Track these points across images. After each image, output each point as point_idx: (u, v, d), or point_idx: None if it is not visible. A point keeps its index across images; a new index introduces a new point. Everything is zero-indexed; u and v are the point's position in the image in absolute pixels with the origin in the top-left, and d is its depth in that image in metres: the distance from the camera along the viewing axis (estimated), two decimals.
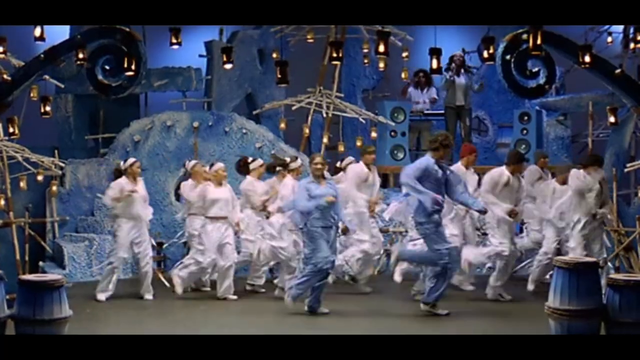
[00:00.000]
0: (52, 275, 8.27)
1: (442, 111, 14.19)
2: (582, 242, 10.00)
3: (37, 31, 8.89)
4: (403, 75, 14.07)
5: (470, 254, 10.14)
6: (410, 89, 14.49)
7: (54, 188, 12.13)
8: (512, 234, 10.05)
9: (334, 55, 8.69)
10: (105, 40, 9.28)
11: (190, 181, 10.81)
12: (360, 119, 13.28)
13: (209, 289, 10.75)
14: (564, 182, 10.49)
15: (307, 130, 13.13)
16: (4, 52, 9.42)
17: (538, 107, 13.78)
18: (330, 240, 9.17)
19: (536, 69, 9.26)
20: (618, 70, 9.19)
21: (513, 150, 11.17)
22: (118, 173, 10.40)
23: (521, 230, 11.45)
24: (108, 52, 9.28)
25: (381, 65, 13.95)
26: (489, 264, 10.95)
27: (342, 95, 13.68)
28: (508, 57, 9.15)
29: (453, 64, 13.62)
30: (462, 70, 13.67)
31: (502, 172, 9.97)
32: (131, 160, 10.40)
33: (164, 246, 11.95)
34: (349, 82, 15.44)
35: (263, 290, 10.75)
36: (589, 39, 10.43)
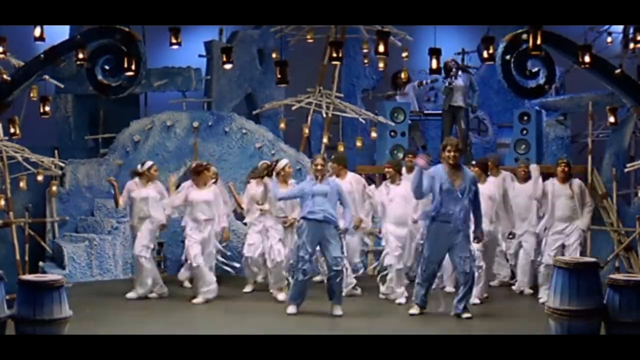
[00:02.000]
0: (52, 275, 8.29)
1: (441, 112, 14.24)
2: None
3: (37, 31, 8.88)
4: (403, 75, 14.06)
5: None
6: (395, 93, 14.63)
7: (54, 188, 12.13)
8: None
9: (334, 55, 8.68)
10: (105, 40, 9.27)
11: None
12: (360, 119, 13.27)
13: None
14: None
15: (307, 130, 13.12)
16: (4, 52, 9.41)
17: (538, 107, 13.77)
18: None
19: (536, 69, 9.25)
20: (618, 70, 9.19)
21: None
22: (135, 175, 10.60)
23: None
24: (108, 52, 9.27)
25: (381, 65, 13.94)
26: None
27: (342, 95, 13.67)
28: (508, 57, 9.14)
29: (452, 70, 13.59)
30: (460, 72, 13.66)
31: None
32: (149, 163, 10.62)
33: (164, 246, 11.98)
34: (349, 82, 15.44)
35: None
36: (589, 39, 10.41)
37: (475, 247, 9.50)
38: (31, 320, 7.38)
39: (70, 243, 12.16)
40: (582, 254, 10.24)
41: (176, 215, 10.69)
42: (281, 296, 10.11)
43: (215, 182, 10.78)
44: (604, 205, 11.88)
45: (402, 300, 10.06)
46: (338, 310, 9.38)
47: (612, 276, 7.85)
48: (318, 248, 9.45)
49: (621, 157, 12.68)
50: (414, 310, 9.38)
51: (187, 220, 10.26)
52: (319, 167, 9.44)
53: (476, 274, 9.68)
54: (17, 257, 10.78)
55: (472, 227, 9.29)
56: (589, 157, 11.97)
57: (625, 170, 11.18)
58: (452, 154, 9.11)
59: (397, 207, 10.14)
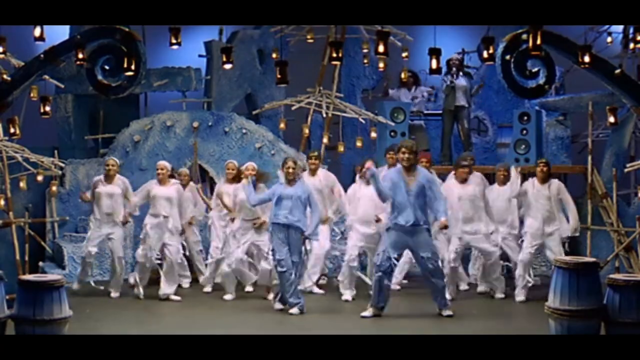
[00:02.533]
0: (52, 275, 8.31)
1: (441, 112, 14.24)
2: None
3: (37, 31, 8.87)
4: (403, 76, 14.07)
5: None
6: (393, 91, 14.59)
7: (54, 188, 12.12)
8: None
9: (334, 55, 8.67)
10: (105, 40, 9.26)
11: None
12: (360, 119, 13.27)
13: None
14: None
15: (306, 131, 13.12)
16: (4, 52, 9.40)
17: (538, 107, 13.77)
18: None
19: (536, 69, 9.25)
20: (618, 70, 9.18)
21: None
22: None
23: None
24: (108, 52, 9.26)
25: (381, 65, 13.96)
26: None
27: (341, 95, 13.66)
28: (508, 57, 9.13)
29: (453, 68, 13.62)
30: (461, 73, 13.67)
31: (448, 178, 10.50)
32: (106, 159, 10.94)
33: None
34: (349, 82, 15.43)
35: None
36: (589, 39, 10.43)
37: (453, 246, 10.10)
38: (31, 320, 7.38)
39: (70, 243, 12.15)
40: (578, 253, 10.29)
41: (137, 213, 10.85)
42: (270, 296, 10.11)
43: (187, 184, 11.12)
44: (604, 205, 11.88)
45: (349, 297, 10.24)
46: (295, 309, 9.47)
47: (611, 276, 7.86)
48: None
49: (621, 157, 12.69)
50: (367, 312, 9.32)
51: (147, 219, 10.43)
52: (291, 170, 9.51)
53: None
54: (17, 257, 10.79)
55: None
56: (589, 157, 11.97)
57: (625, 170, 11.17)
58: (406, 155, 9.18)
59: (363, 207, 10.23)
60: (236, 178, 10.53)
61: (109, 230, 10.59)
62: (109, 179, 10.68)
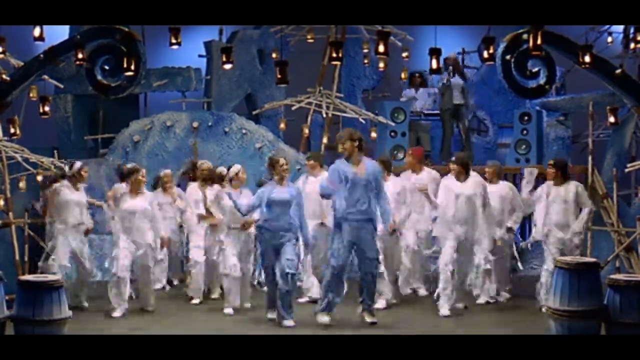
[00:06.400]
0: (52, 275, 8.29)
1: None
2: None
3: (37, 31, 8.87)
4: (403, 76, 14.08)
5: None
6: (405, 91, 14.60)
7: None
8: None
9: (334, 55, 8.67)
10: (104, 40, 9.26)
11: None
12: (360, 119, 13.26)
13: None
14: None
15: (307, 131, 13.12)
16: (3, 52, 9.40)
17: (538, 107, 13.77)
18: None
19: (536, 69, 9.24)
20: (618, 70, 9.18)
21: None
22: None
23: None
24: (107, 52, 9.26)
25: (381, 65, 13.98)
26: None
27: (342, 95, 13.67)
28: (508, 57, 9.13)
29: (449, 67, 13.59)
30: (456, 74, 13.63)
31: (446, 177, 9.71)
32: (78, 164, 10.01)
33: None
34: (349, 82, 15.44)
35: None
36: (590, 39, 10.41)
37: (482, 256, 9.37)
38: (31, 321, 7.38)
39: None
40: (582, 254, 10.05)
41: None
42: (228, 310, 9.57)
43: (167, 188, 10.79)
44: (605, 205, 11.86)
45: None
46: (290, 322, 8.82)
47: (612, 276, 7.85)
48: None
49: (622, 157, 12.67)
50: (325, 317, 8.72)
51: (118, 229, 9.62)
52: (284, 167, 8.89)
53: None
54: (17, 257, 10.77)
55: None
56: (590, 158, 11.94)
57: (626, 170, 11.16)
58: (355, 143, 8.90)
59: (311, 203, 9.71)
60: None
61: None
62: (74, 184, 9.91)
